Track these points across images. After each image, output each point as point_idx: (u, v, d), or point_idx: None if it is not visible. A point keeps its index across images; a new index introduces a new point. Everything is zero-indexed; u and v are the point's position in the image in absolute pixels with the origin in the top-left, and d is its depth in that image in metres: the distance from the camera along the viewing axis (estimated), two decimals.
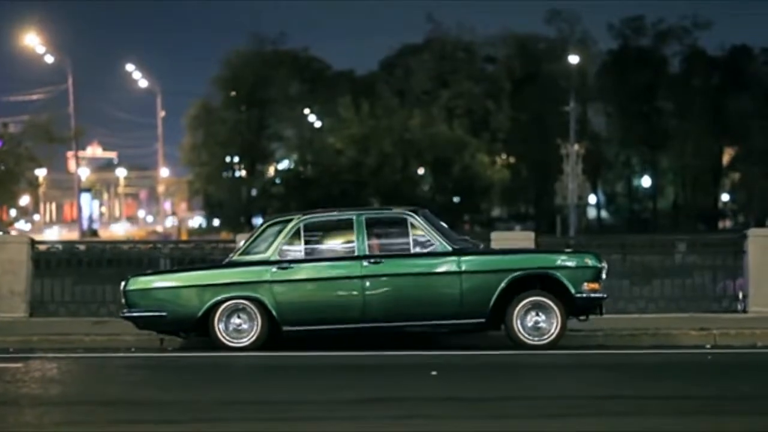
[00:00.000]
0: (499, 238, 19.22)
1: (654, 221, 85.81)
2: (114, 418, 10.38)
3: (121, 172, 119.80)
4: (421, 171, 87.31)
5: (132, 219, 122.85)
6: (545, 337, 15.39)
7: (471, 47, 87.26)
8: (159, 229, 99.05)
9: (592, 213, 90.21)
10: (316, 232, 15.97)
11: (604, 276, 15.69)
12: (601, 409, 10.77)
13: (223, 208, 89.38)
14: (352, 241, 15.68)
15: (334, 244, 15.97)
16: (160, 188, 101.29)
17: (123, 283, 16.04)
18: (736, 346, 16.14)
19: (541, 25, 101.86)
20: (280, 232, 15.85)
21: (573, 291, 15.35)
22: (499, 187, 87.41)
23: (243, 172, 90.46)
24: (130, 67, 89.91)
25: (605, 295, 15.77)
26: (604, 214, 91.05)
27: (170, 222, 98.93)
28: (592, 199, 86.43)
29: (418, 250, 15.63)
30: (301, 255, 15.77)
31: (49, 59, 74.23)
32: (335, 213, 16.32)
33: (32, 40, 71.26)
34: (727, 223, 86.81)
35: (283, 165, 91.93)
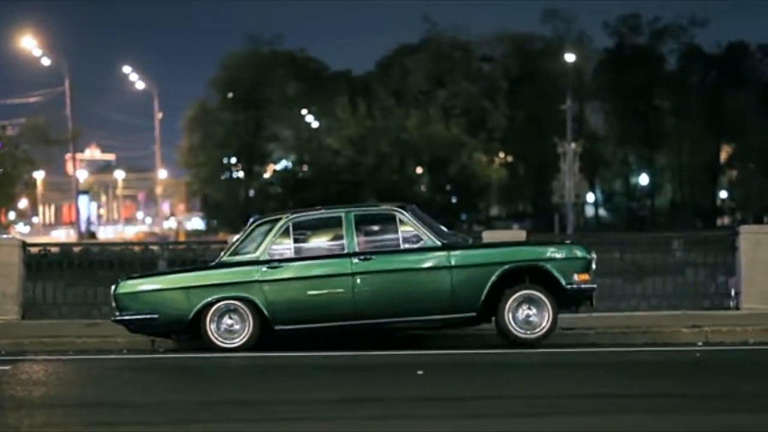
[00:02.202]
0: (491, 237, 19.23)
1: (652, 219, 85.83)
2: (92, 420, 10.37)
3: (119, 174, 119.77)
4: (419, 171, 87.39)
5: (131, 220, 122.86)
6: (537, 330, 15.38)
7: (467, 47, 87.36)
8: (156, 230, 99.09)
9: (590, 211, 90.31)
10: (305, 230, 15.97)
11: (593, 267, 15.69)
12: (580, 407, 10.75)
13: (221, 209, 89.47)
14: (341, 239, 15.66)
15: (324, 241, 15.95)
16: (158, 190, 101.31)
17: (113, 287, 16.02)
18: (728, 343, 16.12)
19: (538, 24, 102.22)
20: (269, 231, 15.83)
21: (564, 282, 15.36)
22: (496, 186, 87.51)
23: (241, 173, 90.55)
24: (126, 69, 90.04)
25: (595, 286, 15.77)
26: (602, 212, 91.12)
27: (166, 224, 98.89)
28: (590, 197, 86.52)
29: (407, 245, 15.62)
30: (290, 254, 15.75)
31: (46, 62, 74.32)
32: (324, 211, 16.30)
33: (29, 43, 71.29)
34: (726, 220, 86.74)
35: (281, 165, 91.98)
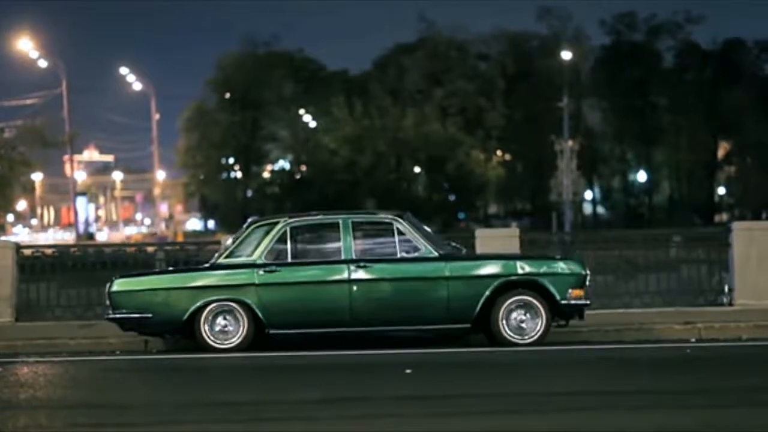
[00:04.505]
0: (483, 236, 19.26)
1: (650, 216, 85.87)
2: (74, 422, 10.35)
3: (117, 175, 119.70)
4: (417, 170, 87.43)
5: (129, 222, 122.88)
6: (531, 336, 15.42)
7: (464, 45, 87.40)
8: (155, 231, 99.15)
9: (588, 209, 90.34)
10: (303, 235, 15.97)
11: (588, 283, 15.75)
12: (564, 405, 10.74)
13: (219, 210, 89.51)
14: (338, 245, 15.66)
15: (321, 247, 15.93)
16: (156, 191, 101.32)
17: (108, 285, 16.04)
18: (721, 339, 16.12)
19: (533, 22, 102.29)
20: (266, 234, 15.83)
21: (558, 297, 15.42)
22: (494, 185, 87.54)
23: (238, 174, 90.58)
24: (124, 70, 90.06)
25: (589, 302, 15.83)
26: (600, 209, 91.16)
27: (164, 225, 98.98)
28: (588, 194, 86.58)
29: (404, 254, 15.64)
30: (287, 258, 15.76)
31: (43, 63, 74.31)
32: (321, 216, 16.32)
33: (25, 45, 71.29)
34: (724, 217, 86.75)
35: (279, 166, 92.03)
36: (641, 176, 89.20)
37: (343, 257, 15.58)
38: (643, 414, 10.24)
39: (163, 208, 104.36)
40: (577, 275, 15.59)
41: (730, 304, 18.89)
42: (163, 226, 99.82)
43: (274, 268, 15.62)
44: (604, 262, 19.26)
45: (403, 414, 10.45)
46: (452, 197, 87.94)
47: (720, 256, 19.25)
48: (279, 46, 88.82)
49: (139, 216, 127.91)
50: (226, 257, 15.92)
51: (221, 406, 11.11)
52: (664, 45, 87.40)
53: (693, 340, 16.09)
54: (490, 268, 15.62)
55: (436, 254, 15.58)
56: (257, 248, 15.73)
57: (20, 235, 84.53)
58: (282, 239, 15.77)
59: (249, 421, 10.35)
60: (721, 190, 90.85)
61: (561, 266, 15.71)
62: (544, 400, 11.07)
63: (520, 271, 15.57)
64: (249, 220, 16.76)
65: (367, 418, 10.31)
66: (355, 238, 15.64)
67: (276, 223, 15.95)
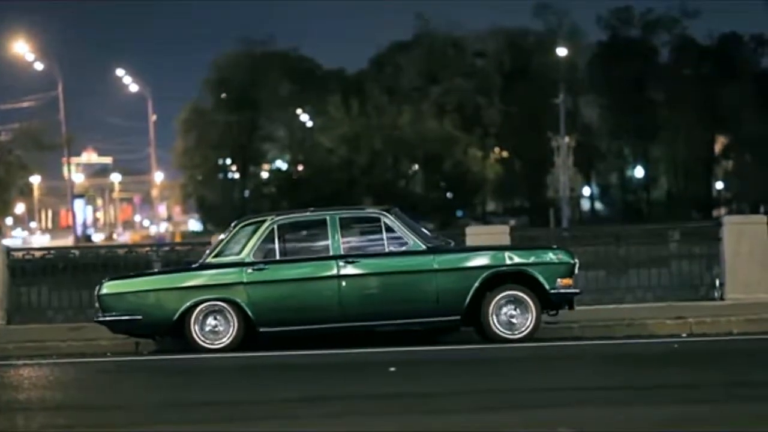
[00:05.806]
0: (474, 233, 19.26)
1: (648, 211, 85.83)
2: (52, 423, 10.35)
3: (115, 177, 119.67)
4: (414, 168, 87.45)
5: (128, 223, 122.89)
6: (521, 330, 15.42)
7: (460, 43, 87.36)
8: (153, 232, 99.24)
9: (586, 205, 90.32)
10: (291, 232, 15.97)
11: (576, 271, 15.76)
12: (542, 401, 10.72)
13: (216, 211, 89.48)
14: (326, 241, 15.66)
15: (309, 244, 15.93)
16: (155, 192, 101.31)
17: (97, 288, 16.02)
18: (712, 334, 16.12)
19: (530, 18, 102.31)
20: (254, 232, 15.83)
21: (547, 287, 15.41)
22: (492, 182, 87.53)
23: (236, 174, 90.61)
24: (120, 72, 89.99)
25: (578, 291, 15.85)
26: (598, 205, 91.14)
27: (164, 226, 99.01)
28: (586, 191, 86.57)
29: (392, 249, 15.65)
30: (275, 256, 15.75)
31: (39, 66, 74.27)
32: (309, 213, 16.31)
33: (21, 48, 71.26)
34: (722, 212, 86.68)
35: (276, 165, 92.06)
36: (639, 172, 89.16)
37: (331, 253, 15.58)
38: (631, 408, 10.21)
39: (162, 210, 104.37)
40: (565, 264, 15.60)
41: (722, 298, 18.90)
42: (162, 227, 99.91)
43: (262, 266, 15.62)
44: (597, 258, 19.24)
45: (384, 412, 10.43)
46: (450, 195, 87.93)
47: (711, 250, 19.26)
48: (275, 45, 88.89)
49: (138, 218, 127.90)
50: (215, 257, 15.91)
51: (204, 407, 11.09)
52: (660, 40, 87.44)
53: (684, 334, 16.09)
54: (479, 260, 15.62)
55: (424, 247, 15.58)
56: (245, 247, 15.72)
57: (18, 239, 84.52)
58: (269, 237, 15.76)
59: (229, 421, 10.32)
60: (719, 185, 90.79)
61: (549, 256, 15.72)
62: (524, 396, 11.05)
63: (508, 262, 15.58)
64: (236, 219, 16.75)
65: (348, 415, 10.28)
66: (342, 234, 15.64)
67: (263, 222, 15.95)
